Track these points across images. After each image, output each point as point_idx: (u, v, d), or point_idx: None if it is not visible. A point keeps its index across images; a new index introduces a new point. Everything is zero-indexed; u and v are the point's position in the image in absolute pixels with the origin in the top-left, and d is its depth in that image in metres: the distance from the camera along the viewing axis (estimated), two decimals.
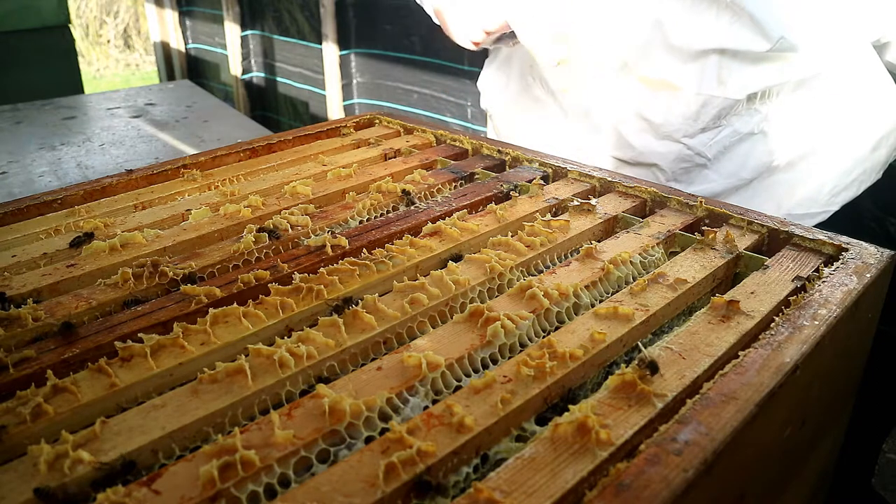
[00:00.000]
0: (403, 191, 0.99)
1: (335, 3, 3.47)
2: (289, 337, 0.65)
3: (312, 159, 1.16)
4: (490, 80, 1.57)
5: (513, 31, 1.30)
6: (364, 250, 0.83)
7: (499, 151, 1.16)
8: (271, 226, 0.88)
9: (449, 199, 0.99)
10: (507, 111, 1.52)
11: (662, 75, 1.22)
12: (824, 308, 0.69)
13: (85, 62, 7.32)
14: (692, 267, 0.79)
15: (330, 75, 3.62)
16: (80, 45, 7.27)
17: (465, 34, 1.34)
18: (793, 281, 0.76)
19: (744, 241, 0.85)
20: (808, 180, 1.27)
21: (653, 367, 0.59)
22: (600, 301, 0.75)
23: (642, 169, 1.30)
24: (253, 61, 4.36)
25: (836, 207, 1.29)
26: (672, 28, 1.18)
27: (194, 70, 5.16)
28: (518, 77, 1.47)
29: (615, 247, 0.83)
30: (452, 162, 1.15)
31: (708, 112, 1.20)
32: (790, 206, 1.29)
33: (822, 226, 1.09)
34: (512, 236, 0.84)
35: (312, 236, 0.87)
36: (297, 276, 0.75)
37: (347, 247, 0.83)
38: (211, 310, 0.68)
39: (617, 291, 0.76)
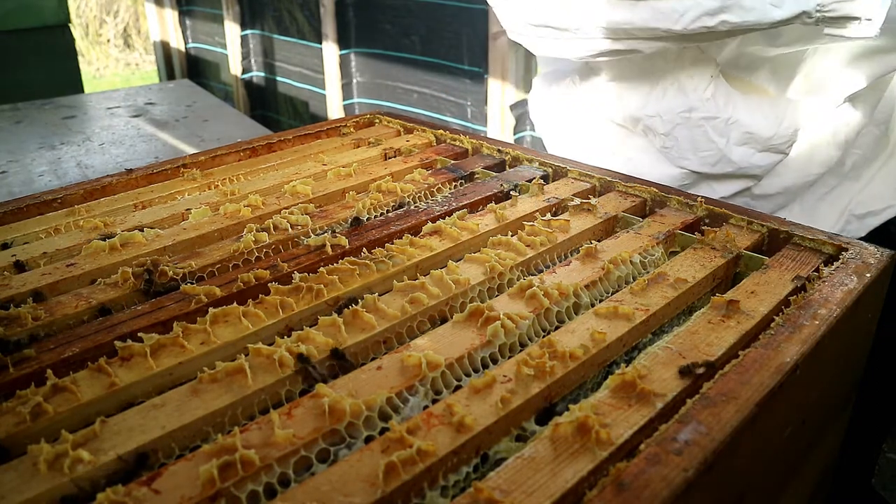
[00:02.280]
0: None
1: (335, 2, 3.47)
2: (289, 336, 0.65)
3: (312, 159, 1.16)
4: (543, 93, 1.54)
5: None
6: (364, 250, 0.83)
7: (499, 151, 1.16)
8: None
9: (449, 198, 0.99)
10: (564, 126, 1.50)
11: (756, 80, 1.20)
12: (824, 308, 0.69)
13: (85, 62, 7.32)
14: (692, 267, 0.79)
15: (330, 75, 3.62)
16: (80, 44, 7.27)
17: None
18: (793, 281, 0.76)
19: (744, 241, 0.85)
20: (874, 182, 1.26)
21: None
22: (600, 301, 0.75)
23: (732, 180, 1.28)
24: (253, 61, 4.36)
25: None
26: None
27: (194, 70, 5.16)
28: (580, 92, 1.45)
29: (615, 246, 0.83)
30: (452, 162, 1.15)
31: (811, 119, 1.18)
32: (852, 207, 1.27)
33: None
34: (512, 236, 0.84)
35: (312, 236, 0.87)
36: (297, 275, 0.74)
37: (347, 246, 0.83)
38: (211, 309, 0.68)
39: (617, 291, 0.76)
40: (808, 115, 1.20)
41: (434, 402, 0.59)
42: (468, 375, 0.62)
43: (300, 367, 0.60)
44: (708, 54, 1.24)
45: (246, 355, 0.62)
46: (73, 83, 3.65)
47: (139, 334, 0.65)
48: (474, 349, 0.64)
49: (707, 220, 0.92)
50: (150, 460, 0.53)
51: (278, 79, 4.21)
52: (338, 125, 1.33)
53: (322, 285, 0.73)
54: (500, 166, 1.14)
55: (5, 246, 0.88)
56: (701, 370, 0.59)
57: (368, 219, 0.94)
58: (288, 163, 1.15)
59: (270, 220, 0.89)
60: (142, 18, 7.73)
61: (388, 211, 0.97)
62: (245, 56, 4.35)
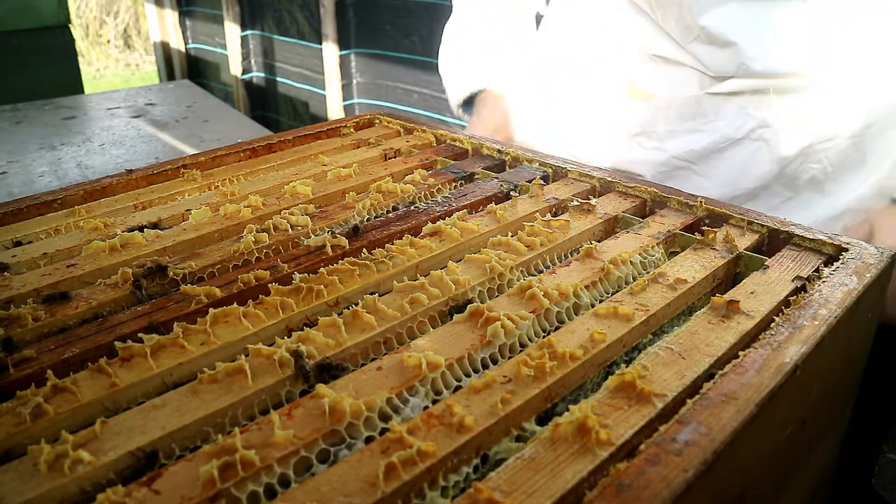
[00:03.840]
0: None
1: (335, 3, 3.47)
2: (289, 337, 0.65)
3: (312, 159, 1.16)
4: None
5: None
6: (364, 250, 0.83)
7: (499, 151, 1.16)
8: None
9: (449, 199, 0.99)
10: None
11: (640, 85, 1.21)
12: (824, 308, 0.69)
13: (85, 62, 7.32)
14: (692, 267, 0.79)
15: (330, 75, 3.62)
16: (80, 45, 7.27)
17: None
18: (793, 281, 0.76)
19: (744, 241, 0.85)
20: (828, 207, 1.20)
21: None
22: (600, 301, 0.75)
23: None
24: (253, 61, 4.37)
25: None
26: (650, 41, 1.18)
27: (194, 70, 5.17)
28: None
29: (615, 247, 0.83)
30: (452, 162, 1.15)
31: (678, 114, 1.18)
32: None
33: None
34: (512, 236, 0.84)
35: (312, 236, 0.87)
36: (297, 276, 0.75)
37: (347, 247, 0.84)
38: (211, 310, 0.68)
39: (617, 291, 0.76)
40: (734, 126, 1.18)
41: (434, 402, 0.59)
42: (468, 376, 0.62)
43: (294, 359, 0.61)
44: None
45: (246, 356, 0.62)
46: (73, 84, 3.65)
47: (139, 335, 0.65)
48: (474, 349, 0.64)
49: (707, 221, 0.92)
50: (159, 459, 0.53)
51: (278, 79, 4.22)
52: (338, 126, 1.33)
53: (322, 286, 0.73)
54: (500, 167, 1.14)
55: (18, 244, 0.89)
56: None
57: (368, 219, 0.94)
58: (288, 163, 1.15)
59: (270, 221, 0.89)
60: (142, 19, 7.74)
61: (388, 212, 0.97)
62: (245, 56, 4.35)
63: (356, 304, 0.70)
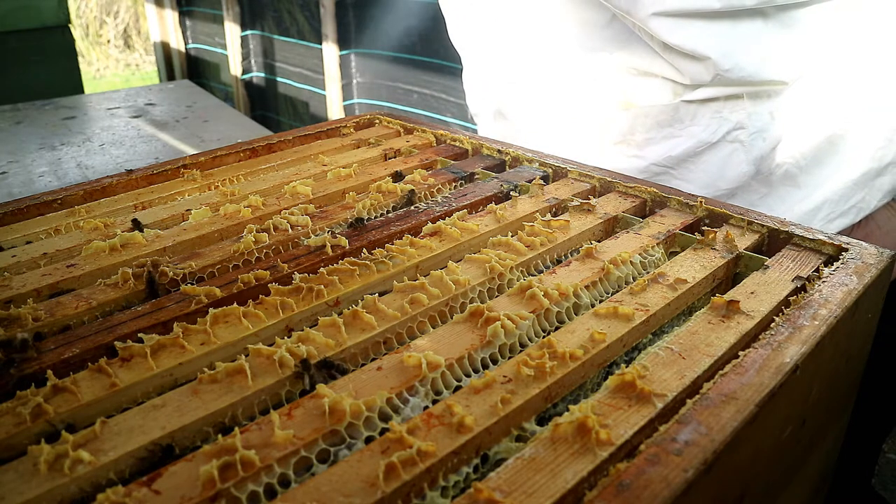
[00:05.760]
0: (410, 191, 0.99)
1: (335, 3, 3.47)
2: (289, 337, 0.65)
3: (312, 159, 1.16)
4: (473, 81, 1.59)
5: None
6: (364, 250, 0.83)
7: (499, 151, 1.16)
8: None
9: (449, 199, 0.99)
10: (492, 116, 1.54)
11: (621, 96, 1.23)
12: (824, 308, 0.69)
13: (85, 62, 7.32)
14: (692, 267, 0.79)
15: (330, 75, 3.62)
16: (80, 45, 7.27)
17: None
18: (793, 281, 0.76)
19: (744, 241, 0.85)
20: (805, 200, 1.23)
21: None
22: (600, 301, 0.75)
23: None
24: (253, 61, 4.37)
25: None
26: (627, 53, 1.20)
27: (194, 70, 5.17)
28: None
29: (615, 247, 0.83)
30: (452, 162, 1.15)
31: (655, 122, 1.20)
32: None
33: None
34: (512, 236, 0.84)
35: (312, 236, 0.87)
36: (297, 276, 0.75)
37: (347, 247, 0.84)
38: (211, 310, 0.68)
39: (617, 291, 0.76)
40: (710, 130, 1.20)
41: (434, 402, 0.59)
42: (468, 376, 0.62)
43: (299, 370, 0.61)
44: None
45: (246, 356, 0.62)
46: (73, 84, 3.65)
47: (139, 335, 0.65)
48: (474, 349, 0.64)
49: (707, 221, 0.92)
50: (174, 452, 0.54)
51: (278, 79, 4.22)
52: (338, 126, 1.33)
53: (322, 286, 0.73)
54: (500, 167, 1.14)
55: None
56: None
57: (369, 219, 0.94)
58: (288, 163, 1.15)
59: (270, 221, 0.89)
60: (142, 19, 7.74)
61: (388, 211, 0.97)
62: (245, 56, 4.35)
63: (356, 305, 0.70)
